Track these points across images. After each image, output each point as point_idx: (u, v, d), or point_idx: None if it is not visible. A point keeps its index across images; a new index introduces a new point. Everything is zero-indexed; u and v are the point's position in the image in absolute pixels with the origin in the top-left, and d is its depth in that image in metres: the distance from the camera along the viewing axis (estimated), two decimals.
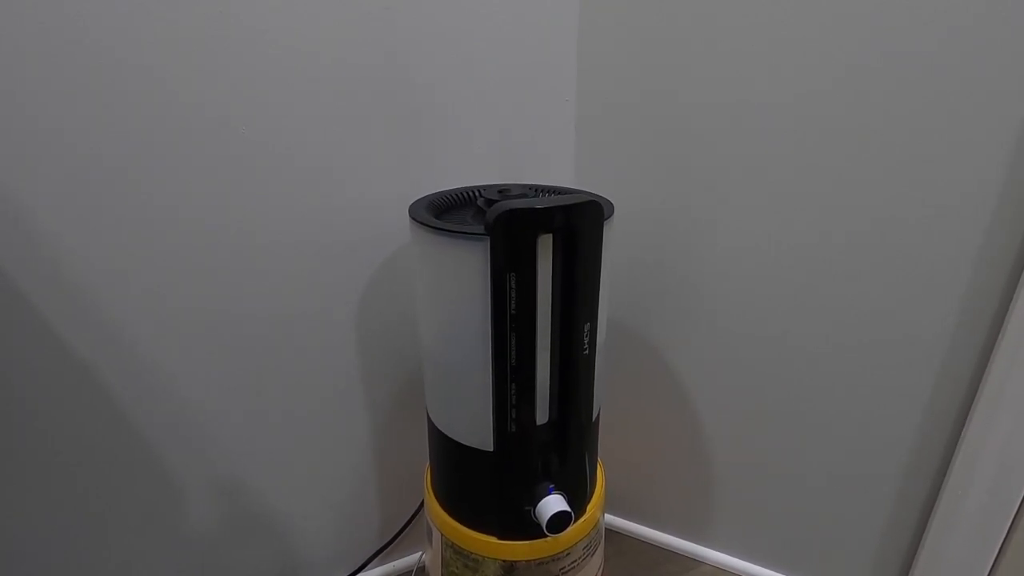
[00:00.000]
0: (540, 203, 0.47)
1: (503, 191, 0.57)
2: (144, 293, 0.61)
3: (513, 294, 0.48)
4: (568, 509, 0.56)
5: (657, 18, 0.67)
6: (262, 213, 0.63)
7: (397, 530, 0.85)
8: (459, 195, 0.63)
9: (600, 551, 0.69)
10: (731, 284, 0.74)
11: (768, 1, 0.61)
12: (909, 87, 0.58)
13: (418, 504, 0.86)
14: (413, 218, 0.53)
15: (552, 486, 0.58)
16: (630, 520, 0.97)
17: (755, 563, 0.89)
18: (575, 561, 0.63)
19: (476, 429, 0.56)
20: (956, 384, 0.66)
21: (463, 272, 0.50)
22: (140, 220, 0.58)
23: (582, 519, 0.62)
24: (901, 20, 0.57)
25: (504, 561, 0.60)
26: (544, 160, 0.75)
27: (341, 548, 0.83)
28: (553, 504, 0.56)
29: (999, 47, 0.54)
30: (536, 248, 0.48)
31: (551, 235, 0.49)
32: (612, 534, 0.97)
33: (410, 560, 0.90)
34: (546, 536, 0.58)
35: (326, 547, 0.82)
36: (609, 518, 0.98)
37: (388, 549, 0.86)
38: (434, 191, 0.64)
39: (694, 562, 0.92)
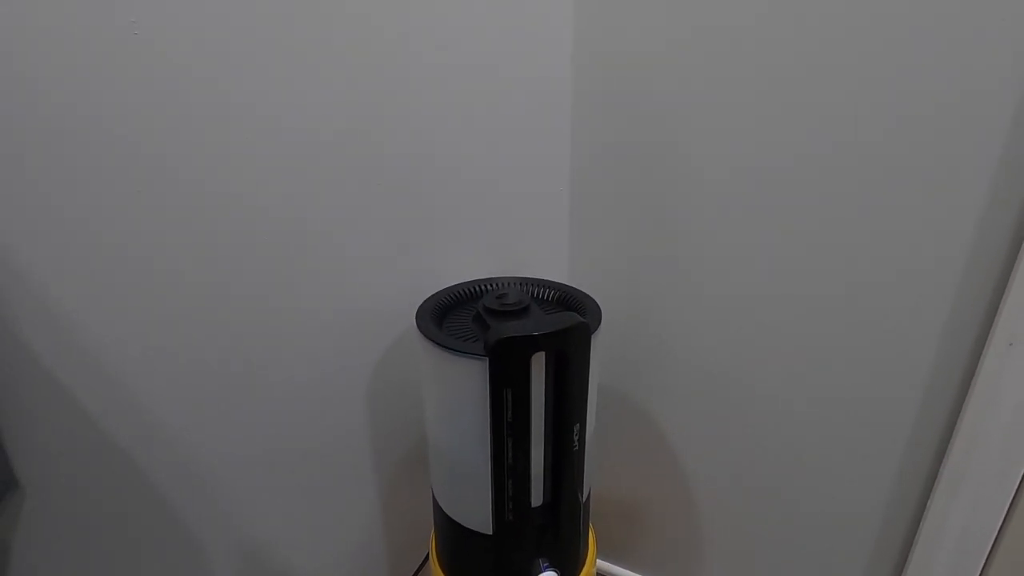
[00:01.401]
0: (534, 328, 0.52)
1: (501, 296, 0.63)
2: (169, 370, 0.67)
3: (509, 406, 0.54)
4: None
5: (643, 115, 0.73)
6: (282, 296, 0.69)
7: None
8: (460, 292, 0.69)
9: None
10: (714, 346, 0.80)
11: (751, 97, 0.67)
12: (881, 167, 0.64)
13: (422, 559, 0.91)
14: (421, 331, 0.59)
15: (546, 564, 0.63)
16: (621, 566, 1.03)
17: None
18: None
19: (476, 513, 0.62)
20: (924, 451, 0.72)
21: (464, 382, 0.56)
22: (163, 297, 0.64)
23: None
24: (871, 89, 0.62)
25: None
26: (538, 248, 0.81)
27: None
28: None
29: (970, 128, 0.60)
30: (530, 365, 0.54)
31: (543, 352, 0.54)
32: None
33: None
34: None
35: None
36: (601, 564, 1.03)
37: None
38: (436, 282, 0.70)
39: None
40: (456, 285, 0.70)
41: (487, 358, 0.53)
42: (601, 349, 0.84)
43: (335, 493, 0.82)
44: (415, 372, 0.80)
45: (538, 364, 0.55)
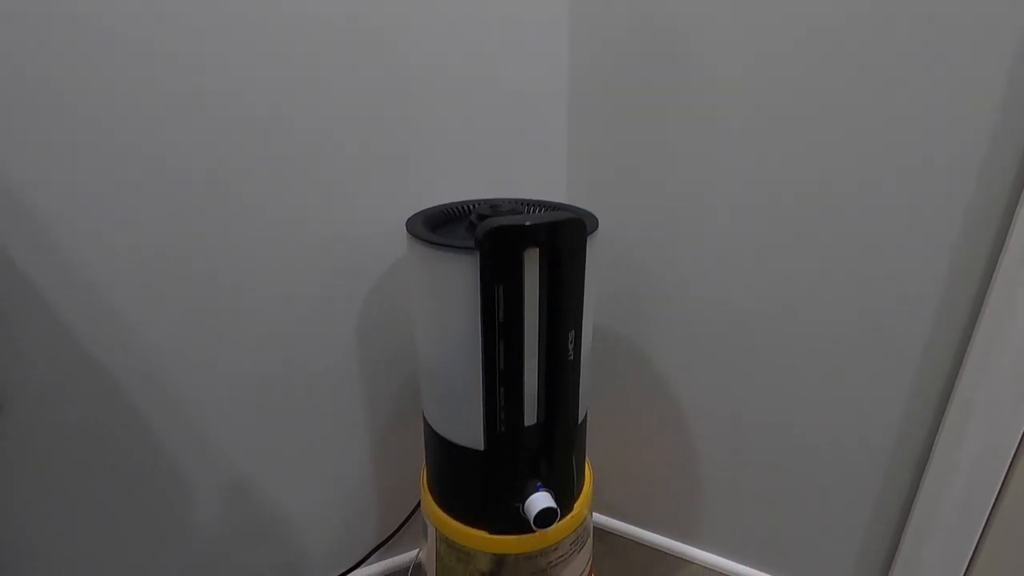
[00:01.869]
0: (526, 220, 0.50)
1: (495, 206, 0.61)
2: (166, 304, 0.65)
3: (501, 304, 0.52)
4: (554, 506, 0.59)
5: (641, 39, 0.71)
6: (275, 226, 0.67)
7: (394, 528, 0.89)
8: (454, 209, 0.67)
9: (588, 548, 0.72)
10: (713, 289, 0.77)
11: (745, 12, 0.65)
12: (893, 72, 0.61)
13: (414, 505, 0.89)
14: (410, 232, 0.57)
15: (540, 484, 0.61)
16: (622, 521, 1.00)
17: (742, 563, 0.92)
18: (562, 556, 0.66)
19: (468, 429, 0.60)
20: (932, 386, 0.69)
21: (455, 283, 0.54)
22: (170, 234, 0.63)
23: (569, 516, 0.66)
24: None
25: (495, 555, 0.63)
26: (536, 174, 0.79)
27: (342, 545, 0.87)
28: (540, 501, 0.59)
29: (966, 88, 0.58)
30: (523, 262, 0.51)
31: (537, 249, 0.52)
32: (604, 534, 1.00)
33: (407, 557, 0.93)
34: (534, 531, 0.62)
35: (327, 544, 0.86)
36: (601, 519, 1.01)
37: (386, 546, 0.90)
38: (431, 205, 0.68)
39: (683, 562, 0.95)
40: (450, 203, 0.68)
41: (478, 252, 0.51)
42: (598, 272, 0.82)
43: (326, 432, 0.80)
44: (405, 310, 0.78)
45: (532, 262, 0.53)
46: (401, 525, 0.89)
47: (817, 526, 0.84)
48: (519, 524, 0.62)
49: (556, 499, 0.60)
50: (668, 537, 0.97)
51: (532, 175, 0.78)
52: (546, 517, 0.59)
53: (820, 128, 0.65)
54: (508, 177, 0.77)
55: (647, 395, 0.88)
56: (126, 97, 0.58)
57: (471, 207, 0.67)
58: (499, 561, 0.64)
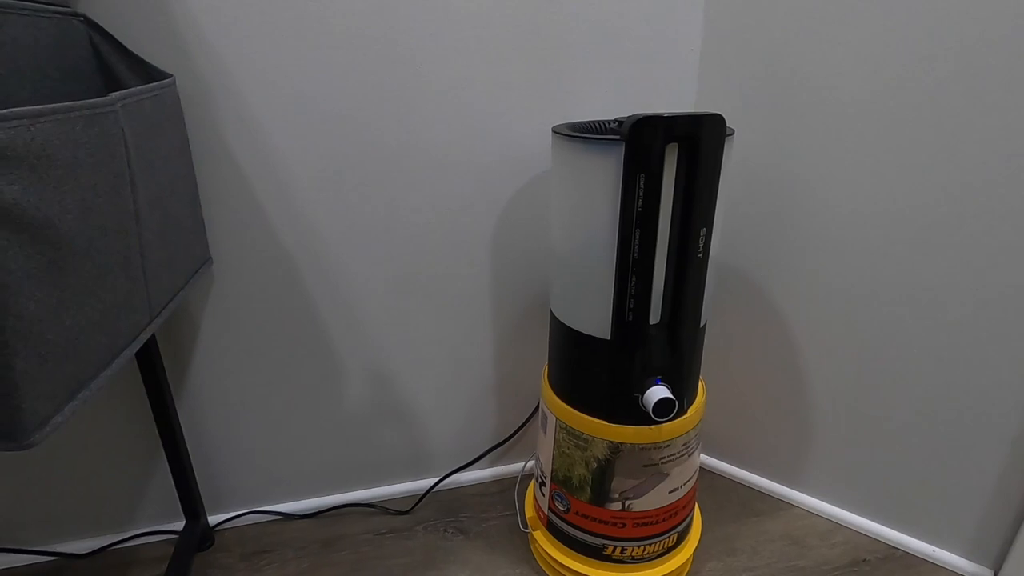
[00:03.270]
0: (670, 113, 0.55)
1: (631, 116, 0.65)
2: (339, 210, 0.76)
3: (641, 193, 0.57)
4: (672, 397, 0.64)
5: None
6: (429, 146, 0.76)
7: (507, 435, 0.97)
8: (592, 124, 0.72)
9: (695, 459, 0.75)
10: (840, 233, 0.77)
11: None
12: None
13: (525, 418, 0.96)
14: (556, 132, 0.62)
15: (659, 378, 0.66)
16: (724, 461, 1.02)
17: (847, 510, 0.91)
18: (673, 455, 0.70)
19: (596, 319, 0.65)
20: None
21: (598, 176, 0.59)
22: (350, 149, 0.73)
23: (683, 417, 0.69)
24: None
25: (611, 442, 0.69)
26: (667, 101, 0.82)
27: (459, 442, 0.96)
28: (659, 391, 0.64)
29: None
30: (663, 155, 0.56)
31: (677, 145, 0.57)
32: (705, 472, 1.02)
33: (515, 467, 1.01)
34: (651, 424, 0.66)
35: (447, 438, 0.95)
36: (704, 458, 1.03)
37: (498, 451, 0.98)
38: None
39: (785, 504, 0.95)
40: (590, 121, 0.73)
41: (623, 144, 0.56)
42: (725, 189, 0.84)
43: (455, 332, 0.88)
44: (536, 230, 0.85)
45: (671, 158, 0.57)
46: (514, 432, 0.96)
47: (935, 482, 0.81)
48: (637, 415, 0.66)
49: (673, 395, 0.65)
50: (770, 479, 0.97)
51: (663, 101, 0.82)
52: (664, 407, 0.64)
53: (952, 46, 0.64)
54: (641, 103, 0.81)
55: (763, 337, 0.90)
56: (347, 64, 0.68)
57: (608, 123, 0.72)
58: (615, 448, 0.69)
